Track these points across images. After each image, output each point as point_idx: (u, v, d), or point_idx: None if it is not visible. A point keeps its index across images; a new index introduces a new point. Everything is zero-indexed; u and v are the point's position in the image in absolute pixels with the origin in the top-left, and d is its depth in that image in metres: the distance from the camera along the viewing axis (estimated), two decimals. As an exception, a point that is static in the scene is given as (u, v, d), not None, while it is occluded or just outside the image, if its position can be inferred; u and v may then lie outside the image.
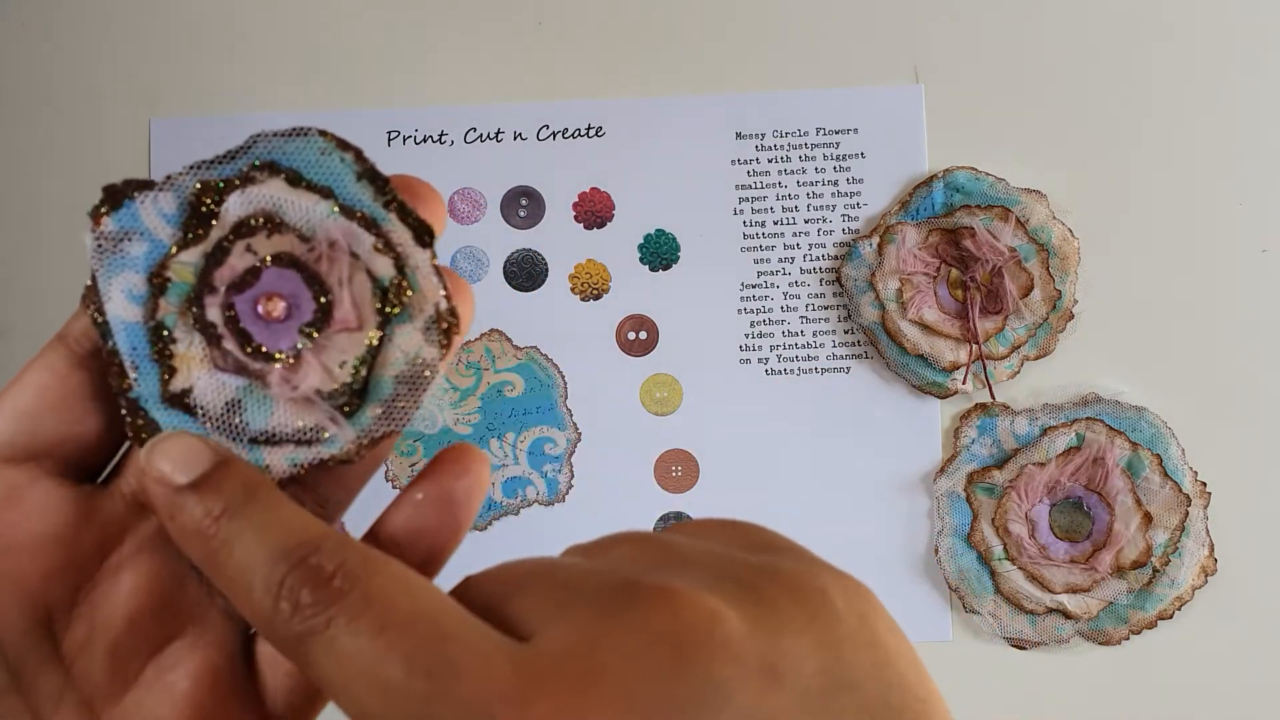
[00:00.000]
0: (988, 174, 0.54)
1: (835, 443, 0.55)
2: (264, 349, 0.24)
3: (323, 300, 0.24)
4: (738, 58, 0.56)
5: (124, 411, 0.24)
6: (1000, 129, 0.56)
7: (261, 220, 0.24)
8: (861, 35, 0.56)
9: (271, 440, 0.24)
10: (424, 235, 0.24)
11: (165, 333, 0.24)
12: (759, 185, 0.56)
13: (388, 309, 0.24)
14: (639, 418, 0.55)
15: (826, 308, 0.56)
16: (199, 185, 0.24)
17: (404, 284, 0.24)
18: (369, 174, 0.24)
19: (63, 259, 0.56)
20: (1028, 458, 0.53)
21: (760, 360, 0.55)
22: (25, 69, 0.56)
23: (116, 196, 0.24)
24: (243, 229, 0.24)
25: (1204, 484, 0.54)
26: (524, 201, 0.56)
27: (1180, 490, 0.52)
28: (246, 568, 0.21)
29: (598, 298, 0.56)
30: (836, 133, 0.56)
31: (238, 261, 0.24)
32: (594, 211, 0.56)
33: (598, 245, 0.56)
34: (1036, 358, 0.55)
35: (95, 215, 0.24)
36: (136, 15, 0.56)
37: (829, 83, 0.56)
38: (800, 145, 0.56)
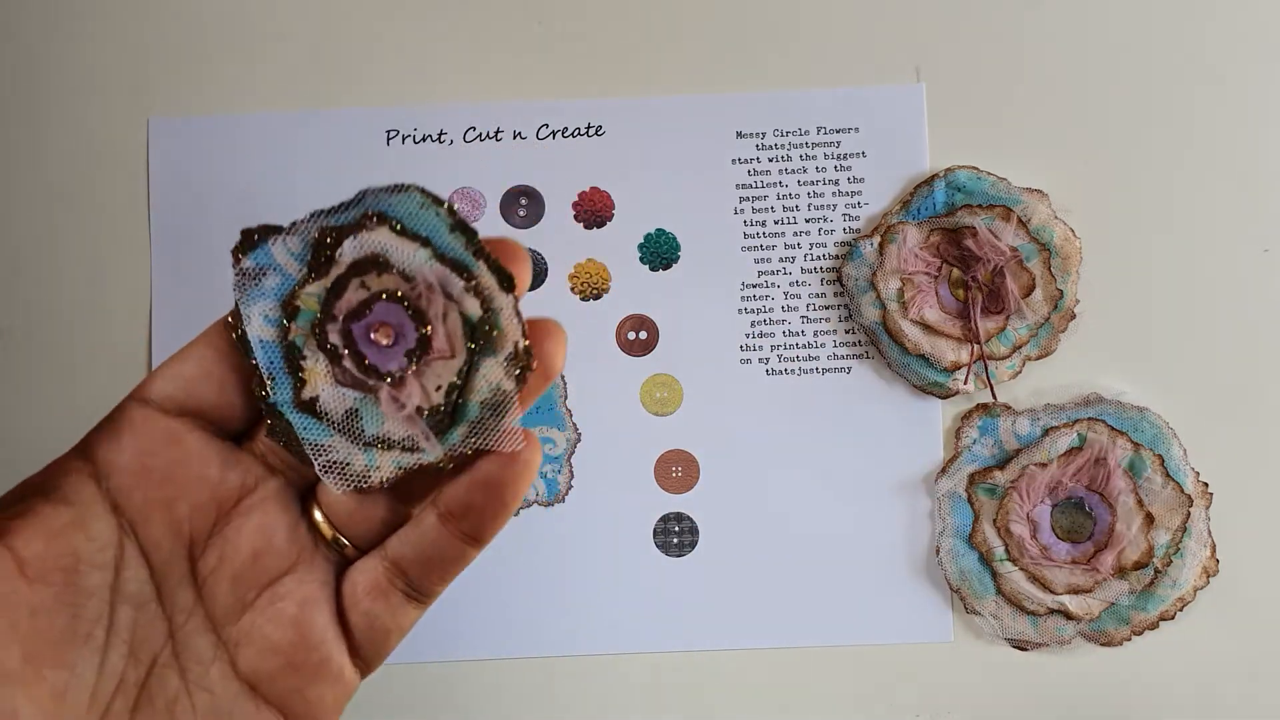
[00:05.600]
0: (989, 173, 0.54)
1: (836, 443, 0.55)
2: (376, 368, 0.29)
3: (423, 331, 0.28)
4: (738, 58, 0.56)
5: (263, 413, 0.29)
6: (1002, 128, 0.55)
7: (372, 261, 0.28)
8: (862, 35, 0.56)
9: (383, 445, 0.29)
10: (506, 282, 0.28)
11: (296, 350, 0.29)
12: (759, 185, 0.56)
13: (475, 343, 0.28)
14: (639, 418, 0.55)
15: (827, 307, 0.56)
16: (320, 230, 0.28)
17: (489, 323, 0.28)
18: (460, 226, 0.29)
19: (62, 259, 0.55)
20: (1029, 458, 0.53)
21: (761, 360, 0.55)
22: (24, 67, 0.56)
23: (252, 239, 0.29)
24: (357, 268, 0.29)
25: (1206, 484, 0.54)
26: (524, 201, 0.56)
27: (1182, 491, 0.52)
28: None
29: (598, 298, 0.56)
30: (837, 132, 0.56)
31: (353, 295, 0.29)
32: (594, 211, 0.56)
33: (598, 245, 0.56)
34: (1038, 358, 0.54)
35: (235, 254, 0.29)
36: (135, 14, 0.56)
37: (829, 82, 0.56)
38: (801, 145, 0.56)
